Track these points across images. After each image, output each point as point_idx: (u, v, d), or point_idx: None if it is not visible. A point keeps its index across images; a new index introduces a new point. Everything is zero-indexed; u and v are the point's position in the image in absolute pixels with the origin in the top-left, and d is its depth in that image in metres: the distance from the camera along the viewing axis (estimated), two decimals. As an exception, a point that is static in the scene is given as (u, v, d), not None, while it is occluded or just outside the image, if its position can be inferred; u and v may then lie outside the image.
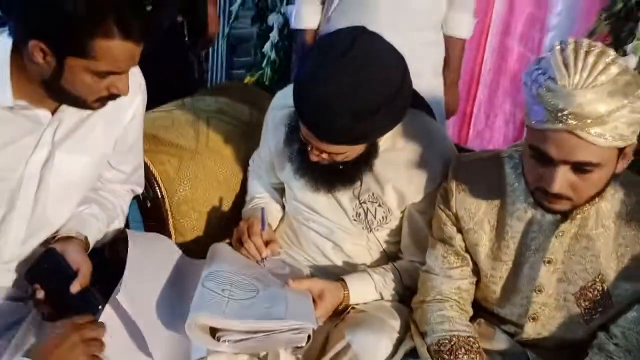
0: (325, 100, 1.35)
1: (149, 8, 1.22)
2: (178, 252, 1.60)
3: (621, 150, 1.25)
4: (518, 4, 2.96)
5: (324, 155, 1.48)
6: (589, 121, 1.16)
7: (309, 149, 1.48)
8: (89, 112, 1.40)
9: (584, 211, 1.35)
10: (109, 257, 1.58)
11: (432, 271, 1.54)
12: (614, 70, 1.17)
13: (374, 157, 1.54)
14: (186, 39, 2.35)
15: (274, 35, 3.10)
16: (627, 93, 1.17)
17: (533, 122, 1.23)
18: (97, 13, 1.19)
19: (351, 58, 1.36)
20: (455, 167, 1.51)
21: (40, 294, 1.32)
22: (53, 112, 1.36)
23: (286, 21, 3.05)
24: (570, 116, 1.16)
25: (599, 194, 1.31)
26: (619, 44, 2.41)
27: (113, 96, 1.33)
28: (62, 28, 1.20)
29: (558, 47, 1.19)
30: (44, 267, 1.35)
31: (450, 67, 2.25)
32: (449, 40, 2.20)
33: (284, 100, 1.65)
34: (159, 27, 1.86)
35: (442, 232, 1.52)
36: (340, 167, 1.51)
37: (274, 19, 3.08)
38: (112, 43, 1.22)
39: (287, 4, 2.95)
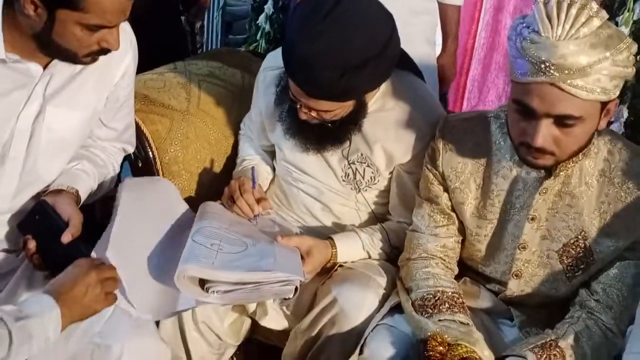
0: (312, 56, 1.37)
1: None
2: (184, 205, 1.62)
3: (604, 106, 1.27)
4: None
5: (313, 114, 1.49)
6: (571, 72, 1.18)
7: (299, 107, 1.49)
8: (80, 67, 1.41)
9: (567, 168, 1.37)
10: (100, 214, 1.59)
11: (418, 230, 1.56)
12: (596, 22, 1.18)
13: (363, 116, 1.56)
14: (179, 6, 2.35)
15: (268, 7, 3.11)
16: (609, 45, 1.19)
17: (517, 75, 1.25)
18: None
19: (337, 15, 1.37)
20: (442, 127, 1.53)
21: (32, 244, 1.34)
22: (45, 67, 1.37)
23: (281, -7, 3.07)
24: (552, 67, 1.18)
25: (582, 150, 1.33)
26: (610, 16, 2.43)
27: (104, 51, 1.34)
28: None
29: (542, 1, 1.20)
30: (35, 218, 1.37)
31: (448, 35, 2.25)
32: (443, 8, 2.21)
33: (274, 61, 1.66)
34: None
35: (429, 191, 1.54)
36: (329, 125, 1.52)
37: (268, -9, 3.09)
38: None
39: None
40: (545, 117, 1.24)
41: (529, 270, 1.47)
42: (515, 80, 1.27)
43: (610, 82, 1.22)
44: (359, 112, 1.54)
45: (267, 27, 3.16)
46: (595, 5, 1.20)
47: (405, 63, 1.64)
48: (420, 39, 2.14)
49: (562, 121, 1.24)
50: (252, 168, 1.70)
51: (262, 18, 3.16)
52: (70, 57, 1.34)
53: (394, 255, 1.64)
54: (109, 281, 1.24)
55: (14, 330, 1.07)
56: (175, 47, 2.22)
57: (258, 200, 1.63)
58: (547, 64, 1.18)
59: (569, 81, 1.19)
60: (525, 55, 1.21)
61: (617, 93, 1.26)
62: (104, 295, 1.23)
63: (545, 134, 1.25)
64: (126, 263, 1.35)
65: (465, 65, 3.20)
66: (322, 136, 1.57)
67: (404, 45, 1.62)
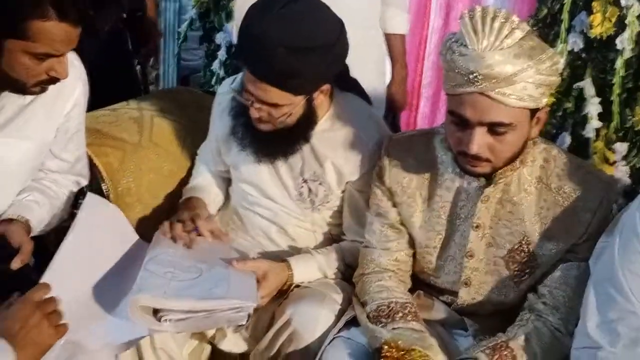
0: (265, 33, 1.45)
1: None
2: (135, 236, 1.64)
3: (533, 114, 1.36)
4: (453, 18, 3.11)
5: (264, 113, 1.54)
6: (498, 81, 1.26)
7: (250, 104, 1.54)
8: (30, 99, 1.44)
9: (506, 176, 1.44)
10: (53, 245, 1.59)
11: (370, 245, 1.60)
12: (518, 34, 1.28)
13: (312, 126, 1.62)
14: (130, 48, 2.40)
15: (222, 54, 3.18)
16: (531, 55, 1.28)
17: (449, 88, 1.33)
18: None
19: (292, 7, 1.47)
20: (387, 145, 1.59)
21: None
22: None
23: (234, 40, 3.15)
24: (480, 77, 1.26)
25: (517, 157, 1.41)
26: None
27: (52, 80, 1.37)
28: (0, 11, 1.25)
29: (467, 15, 1.29)
30: None
31: (395, 63, 2.33)
32: (389, 38, 2.30)
33: (229, 85, 1.74)
34: (102, 24, 1.91)
35: (378, 207, 1.60)
36: (281, 130, 1.57)
37: (221, 38, 3.17)
38: (48, 24, 1.27)
39: (227, 20, 3.04)
40: (478, 125, 1.32)
41: (477, 278, 1.52)
42: (448, 92, 1.35)
43: (537, 89, 1.30)
44: (309, 119, 1.60)
45: (222, 73, 3.23)
46: (517, 19, 1.29)
47: (353, 87, 1.72)
48: (371, 68, 2.21)
49: (494, 129, 1.32)
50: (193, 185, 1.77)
51: (216, 64, 3.22)
52: (20, 88, 1.37)
53: (348, 274, 1.68)
54: (55, 314, 1.21)
55: None
56: (127, 88, 2.26)
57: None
58: (476, 74, 1.27)
59: (497, 90, 1.27)
60: (455, 68, 1.30)
61: (545, 102, 1.35)
62: (53, 330, 1.19)
63: (480, 141, 1.33)
64: (69, 293, 1.33)
65: (415, 103, 3.31)
66: (273, 144, 1.62)
67: (356, 74, 1.70)
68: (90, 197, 1.56)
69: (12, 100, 1.41)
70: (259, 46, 1.47)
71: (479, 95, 1.28)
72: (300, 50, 1.46)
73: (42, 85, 1.38)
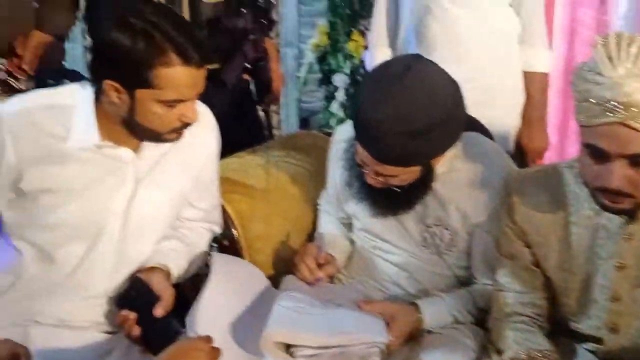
0: (381, 120, 1.42)
1: (202, 31, 1.34)
2: (265, 281, 1.68)
3: (678, 143, 1.24)
4: (578, 44, 2.97)
5: (380, 179, 1.53)
6: (638, 110, 1.17)
7: (366, 172, 1.54)
8: (166, 148, 1.51)
9: (651, 211, 1.33)
10: (189, 293, 1.66)
11: (503, 288, 1.53)
12: (657, 59, 1.19)
13: (431, 181, 1.58)
14: (253, 96, 2.49)
15: (340, 95, 3.26)
16: None
17: (584, 119, 1.25)
18: (154, 45, 1.32)
19: (406, 82, 1.43)
20: (515, 182, 1.52)
21: (132, 315, 1.41)
22: (134, 150, 1.49)
23: (352, 81, 3.21)
24: (619, 106, 1.18)
25: (663, 190, 1.30)
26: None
27: (185, 125, 1.44)
28: (127, 64, 1.33)
29: (600, 42, 1.22)
30: (131, 294, 1.45)
31: (530, 103, 2.15)
32: (526, 76, 2.15)
33: (344, 133, 1.73)
34: (229, 76, 2.01)
35: (510, 248, 1.52)
36: (398, 190, 1.55)
37: (339, 80, 3.25)
38: (173, 70, 1.34)
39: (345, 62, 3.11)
40: (618, 158, 1.23)
41: (625, 323, 1.40)
42: (583, 124, 1.28)
43: (681, 116, 1.20)
44: (426, 177, 1.56)
45: (341, 114, 3.30)
46: (653, 43, 1.20)
47: (471, 124, 1.67)
48: (499, 110, 2.08)
49: (636, 160, 1.23)
50: (321, 234, 1.75)
51: (334, 106, 3.31)
52: (156, 136, 1.44)
53: (481, 318, 1.61)
54: None
55: None
56: (253, 135, 2.34)
57: (320, 265, 1.67)
58: (613, 103, 1.19)
59: (637, 119, 1.19)
60: (590, 97, 1.22)
61: (693, 129, 1.24)
62: None
63: (620, 175, 1.24)
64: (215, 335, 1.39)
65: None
66: (390, 201, 1.60)
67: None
68: (216, 255, 1.62)
69: (150, 151, 1.49)
70: (372, 132, 1.44)
71: (618, 126, 1.20)
72: (418, 132, 1.42)
73: (177, 131, 1.44)
